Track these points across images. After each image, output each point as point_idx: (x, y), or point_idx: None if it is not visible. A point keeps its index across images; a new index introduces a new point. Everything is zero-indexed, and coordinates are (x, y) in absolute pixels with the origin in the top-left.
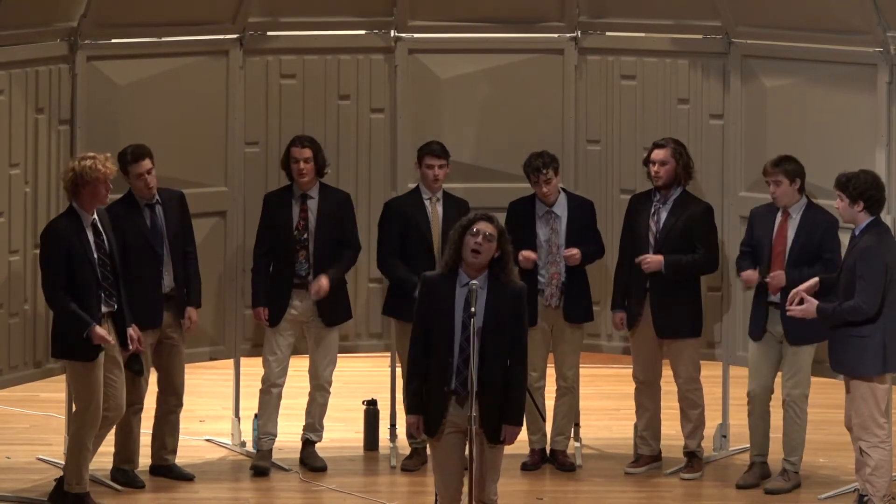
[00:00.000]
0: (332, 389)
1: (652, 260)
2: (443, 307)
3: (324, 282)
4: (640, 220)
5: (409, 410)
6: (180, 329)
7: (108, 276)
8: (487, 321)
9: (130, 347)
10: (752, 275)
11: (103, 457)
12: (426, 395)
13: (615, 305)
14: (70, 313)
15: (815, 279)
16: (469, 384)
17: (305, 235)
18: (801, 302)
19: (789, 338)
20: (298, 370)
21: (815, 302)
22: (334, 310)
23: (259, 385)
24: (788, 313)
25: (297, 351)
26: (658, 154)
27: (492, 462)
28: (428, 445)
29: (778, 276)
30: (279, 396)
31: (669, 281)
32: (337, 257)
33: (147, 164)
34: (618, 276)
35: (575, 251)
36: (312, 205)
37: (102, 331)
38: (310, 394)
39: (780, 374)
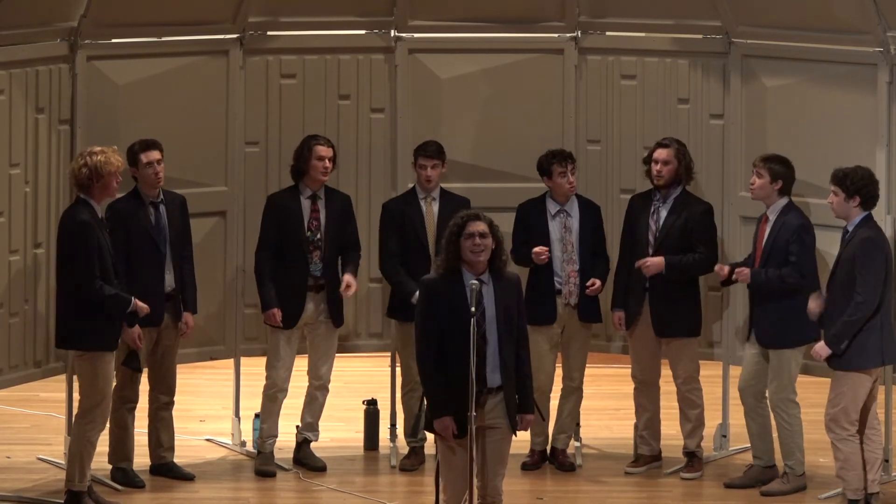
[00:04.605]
0: (332, 389)
1: (653, 263)
2: (455, 309)
3: (353, 282)
4: (639, 220)
5: (437, 414)
6: (176, 328)
7: (113, 270)
8: (499, 314)
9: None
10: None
11: (101, 456)
12: (450, 397)
13: (614, 305)
14: (111, 296)
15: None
16: (470, 383)
17: (319, 235)
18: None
19: (760, 341)
20: (296, 370)
21: (822, 342)
22: (341, 309)
23: (260, 388)
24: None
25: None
26: (661, 153)
27: (501, 455)
28: (440, 446)
29: (742, 274)
30: (283, 400)
31: (669, 280)
32: (347, 259)
33: (157, 154)
34: (618, 275)
35: (597, 284)
36: (321, 205)
37: (140, 303)
38: (309, 394)
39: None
